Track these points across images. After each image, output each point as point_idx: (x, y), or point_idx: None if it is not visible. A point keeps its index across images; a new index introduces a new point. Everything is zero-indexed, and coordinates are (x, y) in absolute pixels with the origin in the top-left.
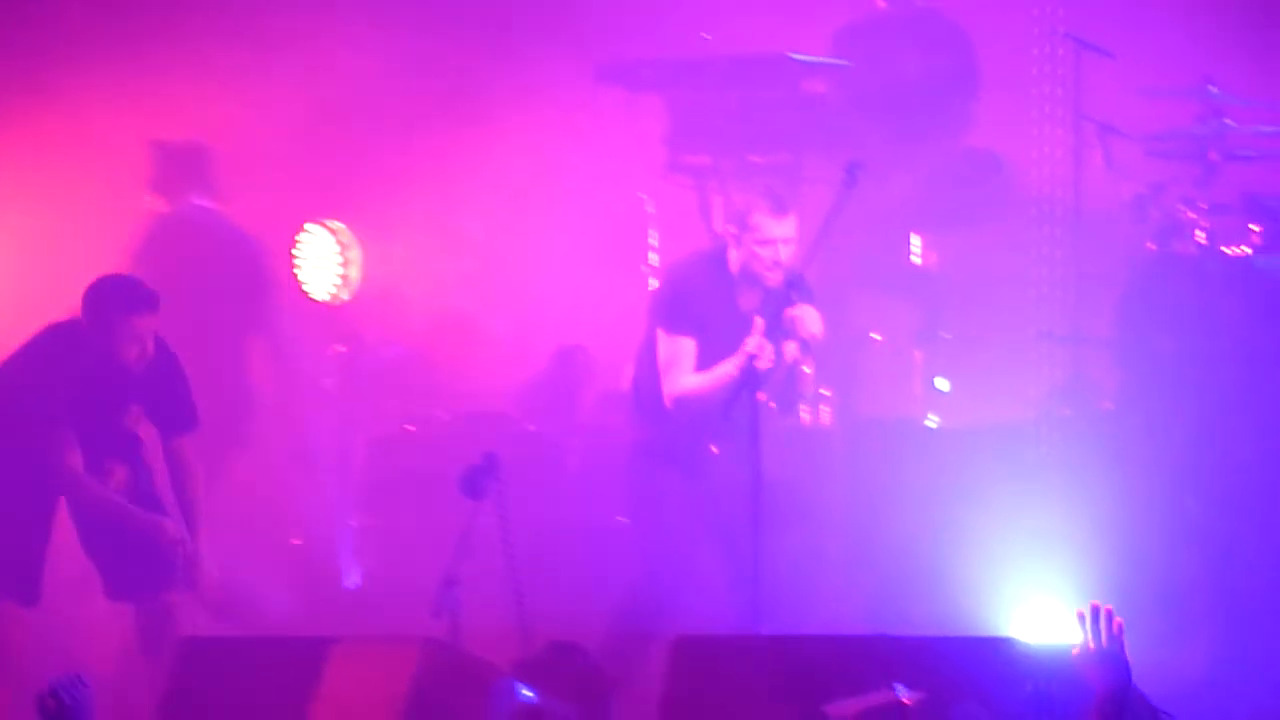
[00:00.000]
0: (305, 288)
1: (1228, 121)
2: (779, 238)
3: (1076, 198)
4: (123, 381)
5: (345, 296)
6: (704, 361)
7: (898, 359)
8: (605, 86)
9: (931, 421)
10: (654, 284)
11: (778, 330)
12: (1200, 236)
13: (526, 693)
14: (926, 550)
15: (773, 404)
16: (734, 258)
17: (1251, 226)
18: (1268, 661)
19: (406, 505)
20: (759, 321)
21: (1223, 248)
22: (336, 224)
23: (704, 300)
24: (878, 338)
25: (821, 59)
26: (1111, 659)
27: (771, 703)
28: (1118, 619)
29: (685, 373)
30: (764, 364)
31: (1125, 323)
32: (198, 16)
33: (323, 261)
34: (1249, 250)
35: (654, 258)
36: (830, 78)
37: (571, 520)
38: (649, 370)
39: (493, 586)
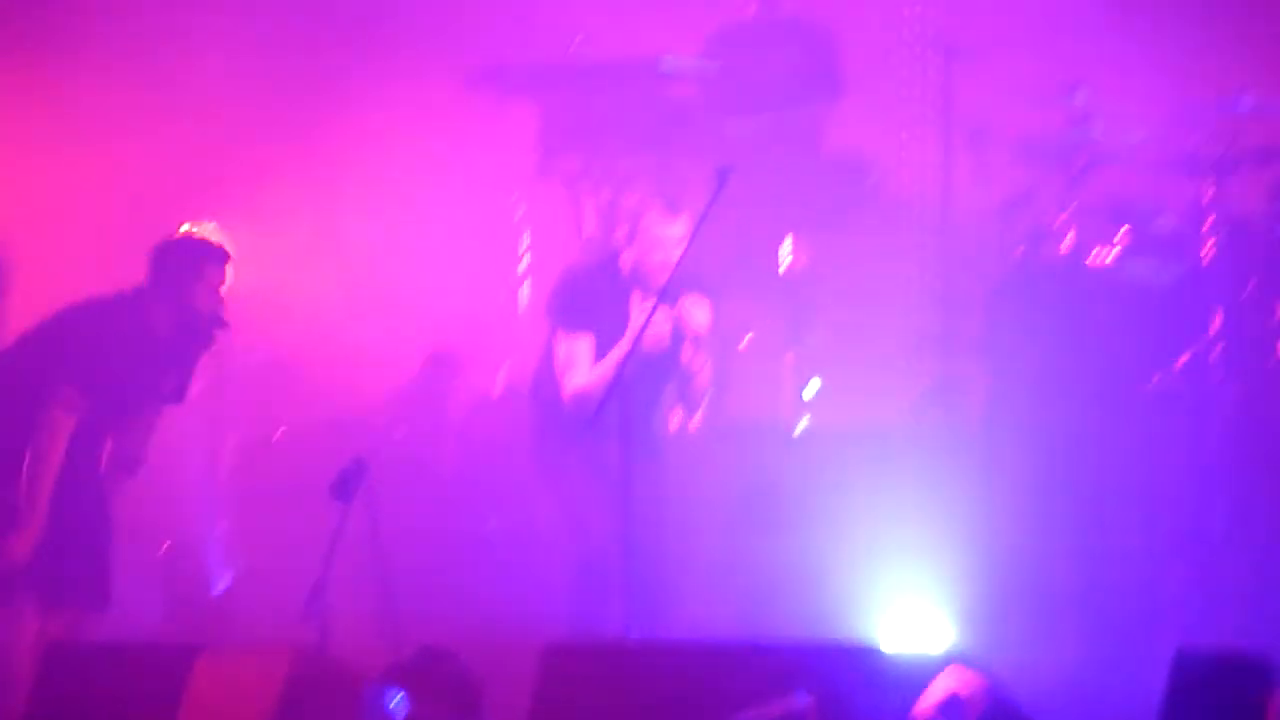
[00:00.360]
0: None
1: (1095, 127)
2: (670, 239)
3: (946, 203)
4: (172, 346)
5: None
6: (599, 359)
7: (768, 363)
8: (477, 89)
9: (802, 425)
10: (526, 291)
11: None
12: (1068, 242)
13: (398, 697)
14: (796, 554)
15: (676, 407)
16: (626, 259)
17: (1118, 232)
18: (1135, 664)
19: (275, 510)
20: (637, 301)
21: (1090, 253)
22: (207, 225)
23: (598, 300)
24: (748, 339)
25: (692, 62)
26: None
27: (642, 711)
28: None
29: (582, 369)
30: (652, 342)
31: (994, 327)
32: (66, 14)
33: None
34: (1116, 255)
35: (526, 260)
36: (701, 81)
37: (442, 525)
38: (548, 372)
39: (363, 593)
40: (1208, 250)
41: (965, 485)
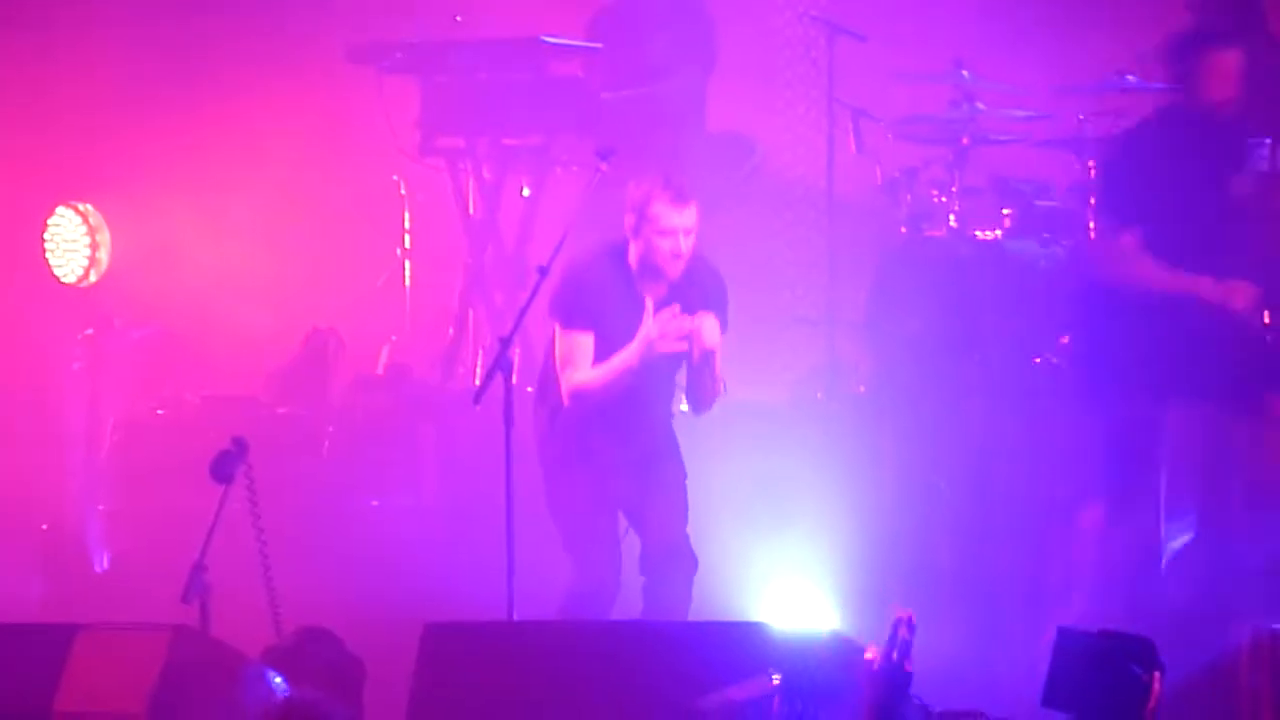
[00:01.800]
0: (55, 270)
1: (979, 105)
2: (679, 227)
3: (829, 182)
4: None
5: (94, 279)
6: (603, 356)
7: None
8: (357, 68)
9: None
10: (408, 270)
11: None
12: (952, 220)
13: (277, 680)
14: None
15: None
16: (633, 250)
17: (1002, 210)
18: (1018, 645)
19: (156, 489)
20: (649, 304)
21: (974, 231)
22: (86, 206)
23: (602, 295)
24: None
25: (574, 41)
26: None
27: (524, 691)
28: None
29: (582, 367)
30: (666, 347)
31: (878, 306)
32: None
33: (72, 244)
34: (999, 233)
35: (408, 240)
36: (583, 60)
37: (323, 505)
38: (550, 370)
39: (243, 572)
40: (1092, 228)
41: (849, 463)
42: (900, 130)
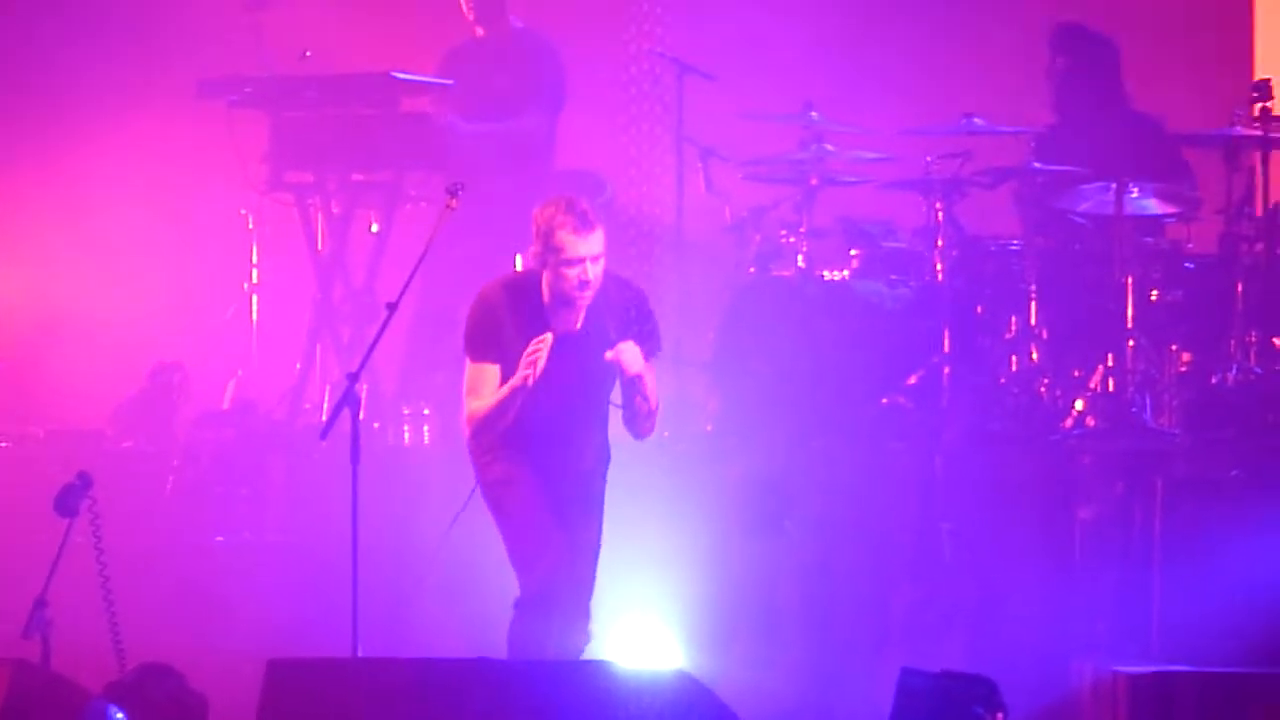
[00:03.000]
0: None
1: (827, 147)
2: (585, 255)
3: (678, 220)
4: None
5: None
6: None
7: None
8: (206, 101)
9: None
10: (255, 304)
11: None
12: (800, 260)
13: (119, 716)
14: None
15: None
16: (544, 280)
17: (850, 251)
18: (861, 684)
19: None
20: (548, 337)
21: (822, 271)
22: None
23: (509, 325)
24: None
25: (424, 77)
26: None
27: None
28: None
29: (483, 396)
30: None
31: (725, 345)
32: None
33: None
34: (847, 274)
35: (255, 274)
36: (433, 97)
37: (167, 540)
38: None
39: (85, 607)
40: (939, 269)
41: (696, 503)
42: (749, 170)
